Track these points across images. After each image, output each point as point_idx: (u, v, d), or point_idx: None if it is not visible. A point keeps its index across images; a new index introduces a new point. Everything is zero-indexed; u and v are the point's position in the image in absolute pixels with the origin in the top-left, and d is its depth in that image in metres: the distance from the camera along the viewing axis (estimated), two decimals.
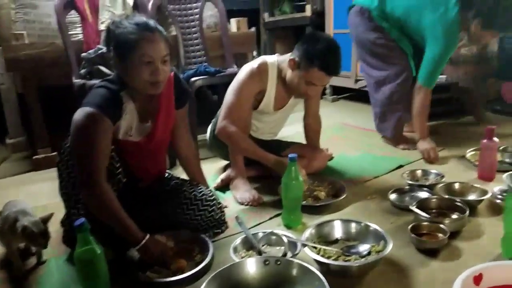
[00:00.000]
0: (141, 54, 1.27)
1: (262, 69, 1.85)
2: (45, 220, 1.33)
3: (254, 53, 4.43)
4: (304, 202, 1.70)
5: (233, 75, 1.94)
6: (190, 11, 2.81)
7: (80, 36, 2.59)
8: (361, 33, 2.49)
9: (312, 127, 2.17)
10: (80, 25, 2.58)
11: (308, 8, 3.92)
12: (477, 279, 1.00)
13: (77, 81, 2.26)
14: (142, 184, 1.54)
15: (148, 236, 1.30)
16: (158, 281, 1.23)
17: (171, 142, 1.62)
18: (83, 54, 2.34)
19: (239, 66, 1.89)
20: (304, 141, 2.23)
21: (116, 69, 1.39)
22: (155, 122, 1.46)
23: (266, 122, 2.05)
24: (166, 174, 1.69)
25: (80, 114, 1.26)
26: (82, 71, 2.34)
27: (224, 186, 2.00)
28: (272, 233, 1.35)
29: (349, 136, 2.81)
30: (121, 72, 1.34)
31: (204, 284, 1.05)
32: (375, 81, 2.50)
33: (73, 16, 2.62)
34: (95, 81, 1.84)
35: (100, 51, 2.27)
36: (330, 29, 3.83)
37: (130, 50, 1.27)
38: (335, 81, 3.91)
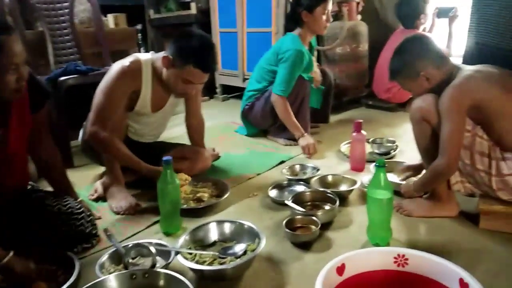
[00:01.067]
0: (4, 62, 1.13)
1: (135, 68, 1.74)
2: None
3: (142, 50, 4.24)
4: (185, 206, 1.65)
5: None
6: (59, 5, 2.57)
7: None
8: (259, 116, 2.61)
9: (194, 127, 2.12)
10: None
11: (193, 6, 3.85)
12: (340, 269, 1.03)
13: None
14: None
15: (11, 254, 1.14)
16: None
17: (30, 150, 1.45)
18: None
19: None
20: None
21: None
22: (7, 130, 1.28)
23: (145, 124, 1.94)
24: (28, 187, 1.51)
25: None
26: None
27: (100, 195, 1.84)
28: (140, 244, 1.26)
29: (236, 135, 2.82)
30: None
31: None
32: None
33: None
34: None
35: None
36: (216, 28, 3.82)
37: None
38: (224, 80, 3.91)
